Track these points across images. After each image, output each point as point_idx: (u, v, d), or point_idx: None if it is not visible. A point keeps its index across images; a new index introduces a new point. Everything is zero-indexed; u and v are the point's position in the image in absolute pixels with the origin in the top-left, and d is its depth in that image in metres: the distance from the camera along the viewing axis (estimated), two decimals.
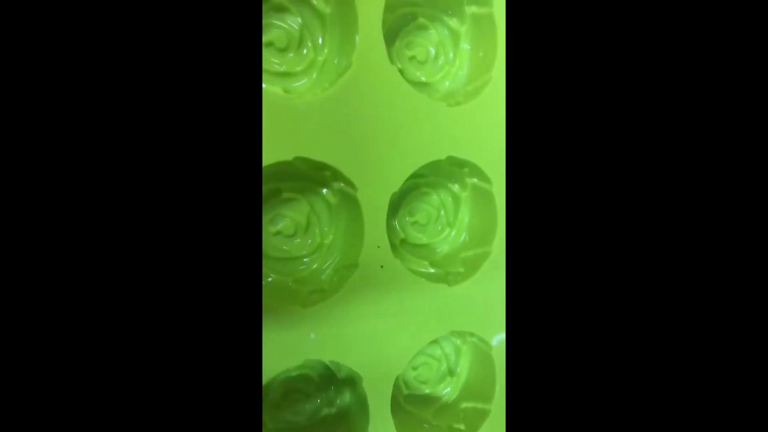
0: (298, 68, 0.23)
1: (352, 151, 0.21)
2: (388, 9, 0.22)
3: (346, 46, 0.22)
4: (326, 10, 0.22)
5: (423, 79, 0.26)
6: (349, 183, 0.22)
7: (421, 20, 0.25)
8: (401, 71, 0.25)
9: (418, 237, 0.27)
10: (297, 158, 0.20)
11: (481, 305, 0.26)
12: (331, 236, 0.24)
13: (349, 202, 0.23)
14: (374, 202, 0.22)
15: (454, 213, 0.27)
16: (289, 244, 0.23)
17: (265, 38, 0.22)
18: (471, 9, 0.25)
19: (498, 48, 0.25)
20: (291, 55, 0.23)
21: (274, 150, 0.20)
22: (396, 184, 0.23)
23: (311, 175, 0.23)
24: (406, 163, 0.23)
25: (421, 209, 0.27)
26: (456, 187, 0.27)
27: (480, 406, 0.27)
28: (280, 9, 0.22)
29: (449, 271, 0.26)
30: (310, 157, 0.21)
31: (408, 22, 0.25)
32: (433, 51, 0.26)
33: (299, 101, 0.20)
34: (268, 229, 0.23)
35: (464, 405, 0.27)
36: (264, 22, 0.22)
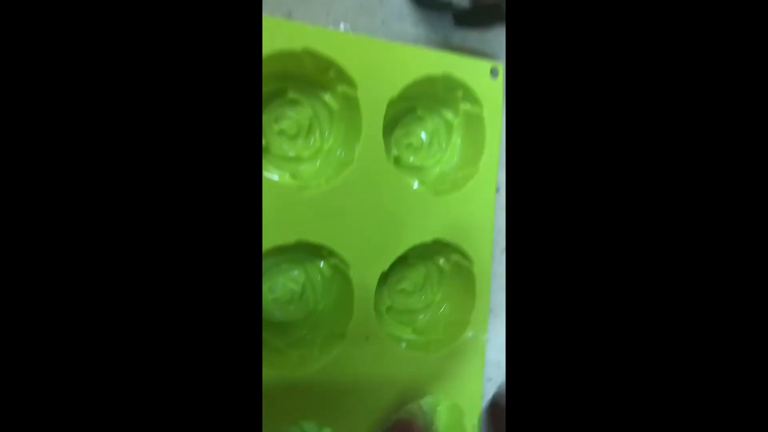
0: (305, 153, 0.26)
1: (348, 234, 0.24)
2: (389, 104, 0.25)
3: (349, 139, 0.25)
4: (335, 106, 0.25)
5: (417, 163, 0.29)
6: (342, 261, 0.24)
7: (419, 112, 0.28)
8: (398, 157, 0.28)
9: (404, 303, 0.29)
10: (299, 241, 0.23)
11: (459, 375, 0.28)
12: (322, 304, 0.26)
13: (342, 278, 0.25)
14: (364, 279, 0.25)
15: (438, 284, 0.30)
16: (285, 310, 0.26)
17: (277, 127, 0.25)
18: (465, 106, 0.28)
19: (486, 143, 0.27)
20: (300, 142, 0.25)
21: (277, 233, 0.23)
22: (385, 264, 0.25)
23: (309, 250, 0.25)
24: (396, 245, 0.25)
25: (408, 277, 0.29)
26: (441, 261, 0.29)
27: None
28: (295, 103, 0.25)
29: (430, 339, 0.28)
30: (309, 240, 0.23)
31: (407, 113, 0.28)
32: (427, 138, 0.29)
33: (305, 193, 0.23)
34: (267, 297, 0.25)
35: None
36: (278, 112, 0.25)
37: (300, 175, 0.25)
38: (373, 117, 0.24)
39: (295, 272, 0.26)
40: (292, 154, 0.25)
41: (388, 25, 0.28)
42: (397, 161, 0.28)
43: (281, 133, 0.25)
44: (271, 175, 0.24)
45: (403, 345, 0.27)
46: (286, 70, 0.24)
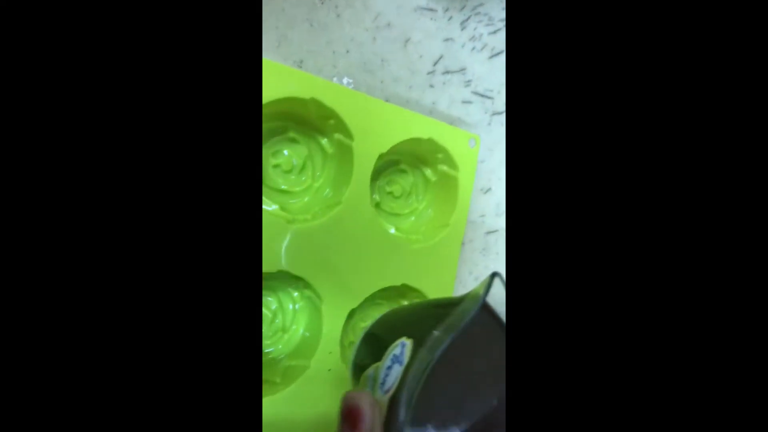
0: (296, 189, 0.27)
1: (325, 270, 0.26)
2: (379, 157, 0.28)
3: (338, 181, 0.27)
4: (330, 150, 0.28)
5: (395, 210, 0.31)
6: (316, 293, 0.26)
7: (402, 166, 0.31)
8: (378, 203, 0.30)
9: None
10: (280, 271, 0.24)
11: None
12: (294, 327, 0.28)
13: (314, 310, 0.27)
14: (334, 313, 0.26)
15: None
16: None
17: (274, 161, 0.27)
18: (443, 167, 0.31)
19: (458, 203, 0.31)
20: (293, 177, 0.27)
21: (264, 262, 0.24)
22: (355, 302, 0.27)
23: (287, 280, 0.26)
24: (368, 285, 0.27)
25: (372, 316, 0.31)
26: (405, 303, 0.32)
27: None
28: (293, 141, 0.27)
29: None
30: (290, 271, 0.25)
31: (391, 165, 0.31)
32: (406, 189, 0.32)
33: (292, 226, 0.25)
34: None
35: None
36: (277, 148, 0.27)
37: (288, 208, 0.27)
38: (363, 166, 0.27)
39: (269, 298, 0.27)
40: (284, 187, 0.27)
41: (386, 85, 0.31)
42: (377, 206, 0.30)
43: (276, 167, 0.27)
44: (264, 206, 0.26)
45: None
46: (290, 112, 0.26)
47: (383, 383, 0.15)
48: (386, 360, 0.16)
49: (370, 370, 0.17)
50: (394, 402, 0.14)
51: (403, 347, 0.15)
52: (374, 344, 0.18)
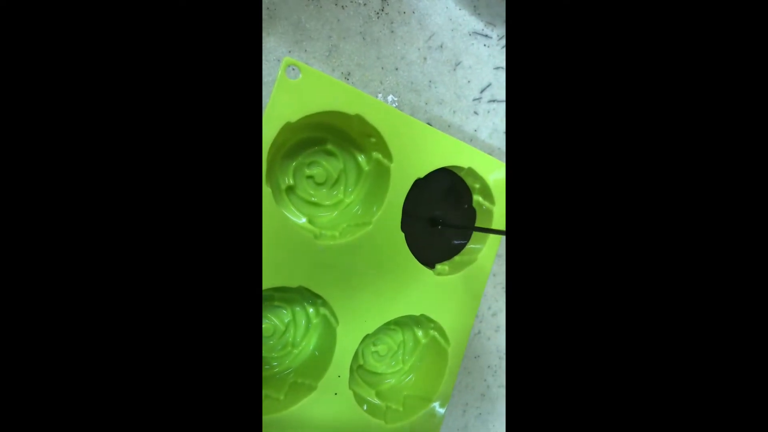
0: (326, 202, 0.27)
1: (346, 291, 0.25)
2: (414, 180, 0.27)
3: (369, 200, 0.26)
4: (366, 167, 0.27)
5: None
6: (332, 314, 0.25)
7: None
8: None
9: (374, 365, 0.30)
10: (300, 286, 0.24)
11: None
12: (300, 348, 0.27)
13: (328, 330, 0.26)
14: (348, 337, 0.25)
15: (411, 353, 0.31)
16: (266, 345, 0.26)
17: (308, 171, 0.26)
18: (478, 198, 0.30)
19: (490, 237, 0.29)
20: (324, 190, 0.27)
21: (284, 274, 0.23)
22: (371, 328, 0.26)
23: (305, 296, 0.26)
24: (386, 312, 0.26)
25: (384, 341, 0.30)
26: (419, 333, 0.30)
27: None
28: (330, 153, 0.26)
29: (389, 407, 0.29)
30: (309, 288, 0.24)
31: None
32: None
33: (320, 242, 0.24)
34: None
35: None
36: (312, 159, 0.26)
37: (316, 222, 0.26)
38: (398, 189, 0.26)
39: (284, 311, 0.26)
40: (314, 199, 0.26)
41: (430, 106, 0.30)
42: None
43: (309, 178, 0.26)
44: (292, 216, 0.25)
45: (365, 407, 0.28)
46: (332, 125, 0.25)
47: None
48: None
49: None
50: None
51: None
52: None
